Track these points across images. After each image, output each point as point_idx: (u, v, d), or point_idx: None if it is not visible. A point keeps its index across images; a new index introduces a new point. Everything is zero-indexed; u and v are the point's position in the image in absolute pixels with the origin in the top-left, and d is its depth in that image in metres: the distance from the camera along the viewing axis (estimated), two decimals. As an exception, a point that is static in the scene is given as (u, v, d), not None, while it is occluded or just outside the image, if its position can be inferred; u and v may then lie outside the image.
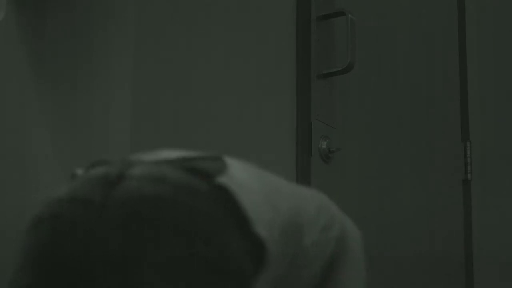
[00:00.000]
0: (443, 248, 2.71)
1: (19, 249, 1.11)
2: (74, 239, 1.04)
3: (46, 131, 1.81)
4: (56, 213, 1.07)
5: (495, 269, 2.88)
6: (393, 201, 2.52)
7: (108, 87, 1.73)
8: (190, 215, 1.03)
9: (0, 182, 1.89)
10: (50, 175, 1.78)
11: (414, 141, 2.67)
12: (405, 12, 2.71)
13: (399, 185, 2.56)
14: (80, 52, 1.79)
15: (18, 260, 1.11)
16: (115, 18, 1.75)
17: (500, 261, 2.89)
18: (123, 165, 1.09)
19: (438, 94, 2.82)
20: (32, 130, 1.84)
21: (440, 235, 2.72)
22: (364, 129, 2.43)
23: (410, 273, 2.51)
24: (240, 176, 1.12)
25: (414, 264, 2.55)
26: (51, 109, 1.81)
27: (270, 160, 2.05)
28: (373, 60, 2.51)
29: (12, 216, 1.84)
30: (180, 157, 1.12)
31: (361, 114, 2.42)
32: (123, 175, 1.06)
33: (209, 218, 1.04)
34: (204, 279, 1.02)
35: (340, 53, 2.32)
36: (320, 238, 1.24)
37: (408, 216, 2.58)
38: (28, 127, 1.85)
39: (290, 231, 1.17)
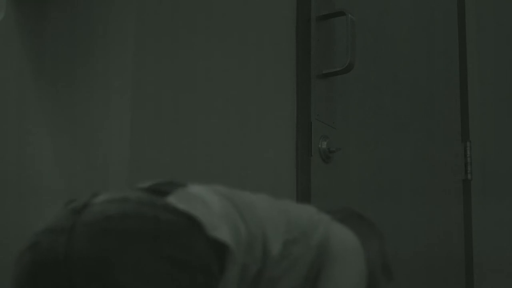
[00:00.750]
0: (443, 248, 2.71)
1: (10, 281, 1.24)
2: (51, 263, 1.16)
3: (46, 131, 1.81)
4: (33, 243, 1.21)
5: (495, 269, 2.88)
6: (393, 201, 2.52)
7: (108, 87, 1.73)
8: (153, 222, 1.16)
9: (0, 182, 1.89)
10: (50, 175, 1.79)
11: (414, 141, 2.67)
12: (405, 12, 2.71)
13: (399, 185, 2.56)
14: (80, 52, 1.79)
15: None
16: (115, 18, 1.75)
17: (500, 261, 2.89)
18: (89, 196, 1.22)
19: (438, 94, 2.82)
20: (32, 130, 1.84)
21: (440, 235, 2.72)
22: (364, 129, 2.43)
23: (410, 273, 2.51)
24: (193, 192, 1.25)
25: (414, 264, 2.55)
26: (51, 109, 1.81)
27: (270, 160, 2.05)
28: (373, 60, 2.51)
29: (12, 217, 1.84)
30: (148, 185, 1.26)
31: (361, 114, 2.42)
32: (90, 203, 1.20)
33: (170, 224, 1.17)
34: (174, 276, 1.13)
35: (340, 53, 2.32)
36: (294, 248, 1.31)
37: (408, 216, 2.58)
38: (28, 127, 1.85)
39: (254, 242, 1.26)
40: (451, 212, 2.81)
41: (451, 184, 2.83)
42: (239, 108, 1.97)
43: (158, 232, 1.15)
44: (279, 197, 2.06)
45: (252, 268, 1.25)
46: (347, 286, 1.37)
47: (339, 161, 2.28)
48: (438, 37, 2.87)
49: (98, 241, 1.14)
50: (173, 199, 1.21)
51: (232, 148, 1.93)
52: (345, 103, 2.35)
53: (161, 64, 1.78)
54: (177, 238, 1.16)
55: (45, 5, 1.87)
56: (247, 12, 2.04)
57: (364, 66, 2.45)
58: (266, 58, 2.07)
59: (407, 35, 2.70)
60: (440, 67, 2.85)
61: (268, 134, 2.05)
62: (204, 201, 1.24)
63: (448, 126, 2.86)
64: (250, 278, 1.26)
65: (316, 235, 1.35)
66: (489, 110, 3.00)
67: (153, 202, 1.19)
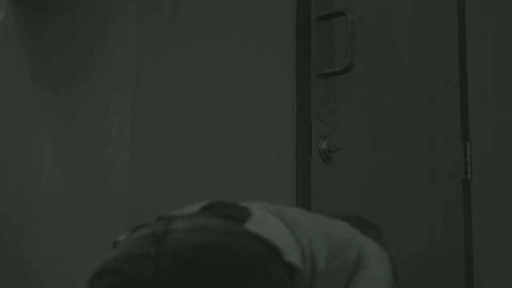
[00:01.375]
0: (443, 248, 2.71)
1: None
2: None
3: (46, 131, 1.81)
4: (116, 268, 1.19)
5: (495, 269, 2.88)
6: (393, 201, 2.52)
7: (108, 87, 1.73)
8: (236, 254, 1.18)
9: (0, 182, 1.89)
10: (50, 175, 1.79)
11: (414, 141, 2.67)
12: (405, 12, 2.71)
13: (399, 185, 2.56)
14: (80, 52, 1.79)
15: None
16: (115, 18, 1.75)
17: (500, 261, 2.89)
18: (164, 222, 1.23)
19: (438, 94, 2.82)
20: (32, 130, 1.84)
21: (440, 235, 2.72)
22: (364, 129, 2.43)
23: (410, 273, 2.51)
24: (263, 218, 1.27)
25: (414, 264, 2.55)
26: (51, 109, 1.81)
27: (270, 160, 2.05)
28: (373, 60, 2.51)
29: (12, 217, 1.84)
30: (206, 206, 1.28)
31: (361, 114, 2.42)
32: (169, 230, 1.20)
33: (251, 253, 1.20)
34: None
35: (340, 53, 2.32)
36: (334, 263, 1.35)
37: (408, 216, 2.58)
38: (28, 127, 1.85)
39: (308, 258, 1.29)
40: (451, 212, 2.81)
41: (451, 184, 2.83)
42: (239, 108, 1.97)
43: (243, 263, 1.19)
44: (279, 197, 2.06)
45: (304, 285, 1.29)
46: None
47: (339, 161, 2.28)
48: (438, 37, 2.87)
49: (185, 272, 1.16)
50: (250, 226, 1.23)
51: (232, 148, 1.93)
52: (345, 103, 2.35)
53: (161, 64, 1.78)
54: (260, 267, 1.20)
55: (45, 5, 1.87)
56: (247, 12, 2.04)
57: (364, 66, 2.45)
58: (266, 58, 2.07)
59: (407, 35, 2.70)
60: (440, 67, 2.85)
61: (268, 134, 2.05)
62: (274, 225, 1.27)
63: (448, 126, 2.86)
64: None
65: (353, 250, 1.40)
66: (489, 110, 3.00)
67: (234, 231, 1.22)
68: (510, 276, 2.87)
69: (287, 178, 2.10)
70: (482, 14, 3.06)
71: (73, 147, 1.76)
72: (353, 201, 2.34)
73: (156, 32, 1.77)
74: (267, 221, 1.26)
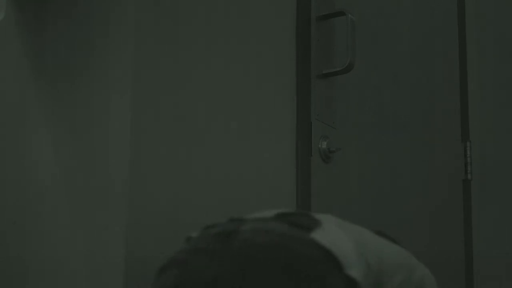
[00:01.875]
0: (443, 248, 2.71)
1: None
2: (199, 283, 1.21)
3: (46, 131, 1.81)
4: (182, 260, 1.26)
5: (495, 269, 2.88)
6: (393, 201, 2.52)
7: (108, 87, 1.73)
8: (297, 258, 1.22)
9: (0, 182, 1.89)
10: (50, 175, 1.79)
11: (414, 141, 2.67)
12: (405, 12, 2.71)
13: (399, 185, 2.56)
14: (80, 52, 1.79)
15: None
16: (115, 18, 1.75)
17: (500, 261, 2.89)
18: (235, 223, 1.29)
19: (438, 94, 2.82)
20: (32, 130, 1.84)
21: (440, 235, 2.72)
22: (364, 129, 2.43)
23: (410, 273, 2.51)
24: (332, 231, 1.30)
25: (414, 264, 2.55)
26: (51, 109, 1.81)
27: (270, 160, 2.05)
28: (373, 60, 2.51)
29: (12, 217, 1.84)
30: (280, 214, 1.32)
31: (361, 114, 2.42)
32: (237, 230, 1.26)
33: (312, 260, 1.22)
34: None
35: (340, 53, 2.32)
36: (402, 285, 1.39)
37: (408, 216, 2.58)
38: (28, 127, 1.85)
39: (375, 277, 1.32)
40: (451, 212, 2.81)
41: (451, 184, 2.83)
42: (239, 108, 1.97)
43: (302, 268, 1.21)
44: (279, 197, 2.06)
45: None
46: None
47: (339, 161, 2.28)
48: (438, 37, 2.87)
49: (245, 268, 1.20)
50: (317, 235, 1.26)
51: (232, 148, 1.93)
52: (345, 103, 2.35)
53: (161, 64, 1.78)
54: (319, 275, 1.22)
55: (45, 5, 1.87)
56: (247, 12, 2.04)
57: (364, 66, 2.45)
58: (266, 58, 2.07)
59: (407, 35, 2.70)
60: (440, 67, 2.85)
61: (268, 134, 2.05)
62: (341, 238, 1.29)
63: (448, 126, 2.86)
64: None
65: (416, 274, 1.42)
66: (489, 110, 3.00)
67: (299, 237, 1.25)
68: (510, 276, 2.87)
69: (287, 178, 2.10)
70: (482, 14, 3.06)
71: (73, 147, 1.76)
72: (353, 201, 2.34)
73: (156, 32, 1.77)
74: (334, 234, 1.29)
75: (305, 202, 2.14)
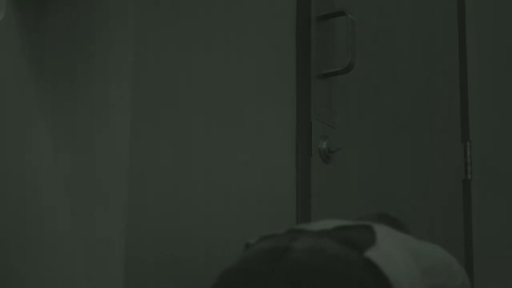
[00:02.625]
0: (443, 248, 2.71)
1: None
2: None
3: (46, 131, 1.81)
4: (228, 281, 1.27)
5: (495, 269, 2.88)
6: (393, 201, 2.52)
7: (108, 87, 1.73)
8: (344, 283, 1.19)
9: (0, 182, 1.89)
10: (50, 175, 1.79)
11: (414, 141, 2.67)
12: (405, 12, 2.71)
13: (399, 185, 2.56)
14: (80, 52, 1.79)
15: None
16: (115, 18, 1.75)
17: (500, 261, 2.89)
18: (289, 238, 1.28)
19: (438, 94, 2.82)
20: (32, 130, 1.84)
21: (440, 235, 2.72)
22: (364, 129, 2.43)
23: (410, 273, 2.51)
24: (387, 248, 1.28)
25: (414, 264, 2.55)
26: (51, 109, 1.81)
27: (270, 160, 2.05)
28: (373, 60, 2.51)
29: (12, 217, 1.84)
30: (339, 226, 1.31)
31: (361, 114, 2.42)
32: (289, 247, 1.25)
33: (361, 284, 1.21)
34: None
35: (340, 53, 2.32)
36: None
37: (408, 216, 2.58)
38: (28, 127, 1.85)
39: None
40: (451, 212, 2.81)
41: (451, 184, 2.83)
42: (239, 108, 1.97)
43: None
44: (279, 197, 2.06)
45: None
46: None
47: (339, 161, 2.28)
48: (438, 37, 2.87)
49: None
50: (371, 255, 1.24)
51: (232, 148, 1.93)
52: (345, 103, 2.35)
53: (161, 64, 1.78)
54: None
55: (45, 5, 1.87)
56: (247, 12, 2.04)
57: (364, 66, 2.45)
58: (266, 58, 2.08)
59: (407, 35, 2.70)
60: (440, 67, 2.85)
61: (268, 134, 2.05)
62: (396, 256, 1.28)
63: (448, 126, 2.86)
64: None
65: (458, 280, 1.44)
66: (489, 110, 3.00)
67: (351, 258, 1.23)
68: (510, 276, 2.87)
69: (287, 178, 2.10)
70: (482, 14, 3.06)
71: (73, 147, 1.76)
72: (353, 201, 2.34)
73: (156, 32, 1.77)
74: (390, 252, 1.27)
75: (305, 202, 2.14)
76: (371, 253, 1.24)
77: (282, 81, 2.12)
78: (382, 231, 1.33)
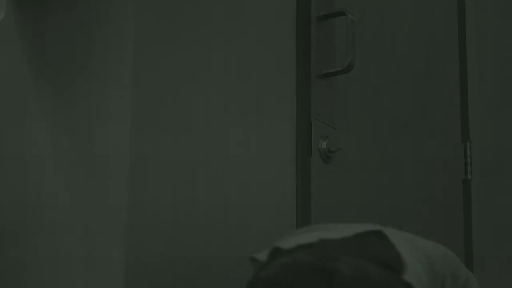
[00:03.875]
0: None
1: None
2: None
3: (46, 131, 1.81)
4: None
5: (495, 269, 2.88)
6: (393, 201, 2.52)
7: (108, 87, 1.73)
8: None
9: (0, 182, 1.89)
10: (50, 175, 1.79)
11: (414, 141, 2.67)
12: (405, 12, 2.71)
13: (399, 185, 2.56)
14: (80, 52, 1.79)
15: None
16: (115, 18, 1.75)
17: (500, 261, 2.89)
18: (328, 257, 1.29)
19: (438, 94, 2.82)
20: (32, 130, 1.84)
21: (440, 235, 2.72)
22: (364, 129, 2.43)
23: (410, 273, 2.51)
24: (414, 268, 1.34)
25: (414, 264, 2.55)
26: (51, 109, 1.81)
27: (270, 160, 2.05)
28: (373, 60, 2.51)
29: (11, 216, 1.84)
30: (359, 234, 1.36)
31: (361, 114, 2.42)
32: (335, 270, 1.26)
33: None
34: None
35: (340, 53, 2.32)
36: None
37: (408, 216, 2.58)
38: (28, 126, 1.85)
39: None
40: (451, 212, 2.81)
41: (451, 184, 2.83)
42: (239, 108, 1.97)
43: None
44: (279, 197, 2.06)
45: None
46: None
47: (339, 161, 2.28)
48: (438, 37, 2.87)
49: None
50: (410, 279, 1.30)
51: (232, 148, 1.93)
52: (345, 103, 2.35)
53: (161, 64, 1.78)
54: None
55: (45, 5, 1.87)
56: (247, 12, 2.04)
57: (364, 66, 2.45)
58: (266, 58, 2.08)
59: (407, 35, 2.70)
60: (440, 67, 2.85)
61: (268, 134, 2.05)
62: (423, 275, 1.34)
63: (448, 126, 2.86)
64: None
65: (462, 277, 1.49)
66: (489, 110, 3.00)
67: (395, 284, 1.28)
68: (510, 276, 2.87)
69: (287, 178, 2.10)
70: (482, 14, 3.06)
71: (73, 147, 1.76)
72: (353, 201, 2.34)
73: (156, 32, 1.77)
74: (418, 270, 1.34)
75: (305, 202, 2.14)
76: (409, 277, 1.30)
77: (282, 81, 2.12)
78: (394, 237, 1.39)
